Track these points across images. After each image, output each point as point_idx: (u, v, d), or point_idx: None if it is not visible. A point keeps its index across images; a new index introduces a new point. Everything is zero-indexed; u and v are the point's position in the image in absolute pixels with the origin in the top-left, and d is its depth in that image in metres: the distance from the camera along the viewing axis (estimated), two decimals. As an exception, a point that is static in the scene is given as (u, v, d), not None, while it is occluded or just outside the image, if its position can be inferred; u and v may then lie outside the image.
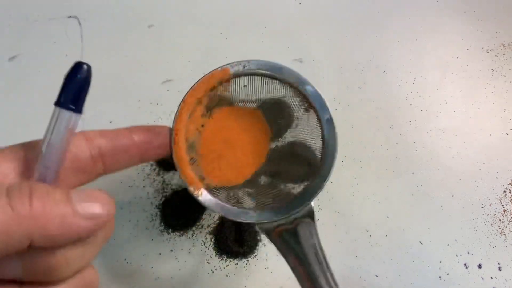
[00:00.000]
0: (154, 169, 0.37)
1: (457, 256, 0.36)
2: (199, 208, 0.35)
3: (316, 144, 0.26)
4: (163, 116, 0.39)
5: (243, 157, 0.26)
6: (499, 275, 0.35)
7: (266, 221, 0.24)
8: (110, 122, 0.38)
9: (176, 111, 0.24)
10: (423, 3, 0.45)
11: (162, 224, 0.35)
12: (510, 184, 0.38)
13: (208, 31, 0.43)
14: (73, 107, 0.18)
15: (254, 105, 0.27)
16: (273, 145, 0.27)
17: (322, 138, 0.25)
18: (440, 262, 0.35)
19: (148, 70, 0.41)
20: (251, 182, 0.27)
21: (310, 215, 0.25)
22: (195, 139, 0.26)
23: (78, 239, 0.17)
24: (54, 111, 0.18)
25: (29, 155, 0.19)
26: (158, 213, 0.35)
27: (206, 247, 0.35)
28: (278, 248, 0.24)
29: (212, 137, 0.26)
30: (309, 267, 0.23)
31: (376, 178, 0.38)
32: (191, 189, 0.24)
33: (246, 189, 0.26)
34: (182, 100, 0.24)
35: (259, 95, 0.27)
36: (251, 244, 0.34)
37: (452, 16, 0.44)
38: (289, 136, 0.28)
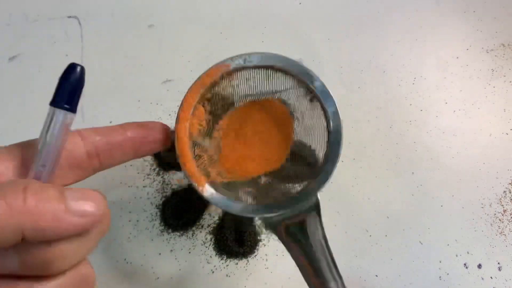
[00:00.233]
0: (154, 169, 0.37)
1: (457, 256, 0.36)
2: (199, 208, 0.35)
3: (320, 137, 0.26)
4: (163, 116, 0.39)
5: (267, 151, 0.26)
6: (499, 275, 0.35)
7: (272, 215, 0.24)
8: (110, 122, 0.38)
9: (179, 108, 0.24)
10: (423, 3, 0.45)
11: (162, 224, 0.35)
12: (510, 184, 0.38)
13: (208, 31, 0.43)
14: (67, 106, 0.19)
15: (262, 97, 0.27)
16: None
17: (327, 128, 0.25)
18: (440, 262, 0.35)
19: (148, 70, 0.41)
20: (258, 178, 0.27)
21: (317, 208, 0.24)
22: (205, 136, 0.26)
23: (72, 235, 0.17)
24: (49, 111, 0.19)
25: (26, 154, 0.19)
26: (158, 213, 0.35)
27: (206, 247, 0.35)
28: (284, 243, 0.24)
29: (231, 132, 0.26)
30: (315, 262, 0.23)
31: (376, 178, 0.38)
32: (195, 185, 0.24)
33: (252, 184, 0.26)
34: (184, 97, 0.24)
35: (264, 88, 0.27)
36: (251, 244, 0.34)
37: (452, 16, 0.44)
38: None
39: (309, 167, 0.26)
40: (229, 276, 0.34)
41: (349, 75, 0.41)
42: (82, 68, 0.19)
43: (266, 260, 0.35)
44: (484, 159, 0.39)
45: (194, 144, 0.25)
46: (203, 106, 0.25)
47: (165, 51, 0.42)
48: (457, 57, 0.43)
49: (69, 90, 0.19)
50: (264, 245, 0.35)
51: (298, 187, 0.25)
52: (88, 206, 0.17)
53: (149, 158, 0.37)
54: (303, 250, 0.24)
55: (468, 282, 0.35)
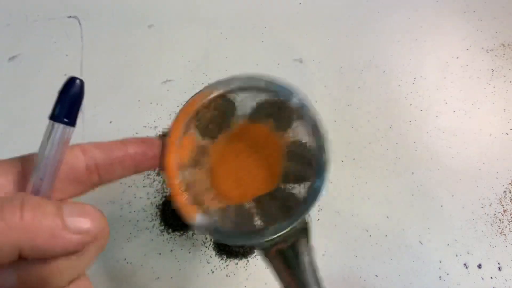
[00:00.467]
0: (154, 169, 0.37)
1: (457, 256, 0.36)
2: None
3: (308, 153, 0.25)
4: (163, 116, 0.39)
5: (258, 175, 0.26)
6: (499, 275, 0.35)
7: (262, 240, 0.23)
8: (110, 122, 0.38)
9: (165, 140, 0.24)
10: (423, 3, 0.45)
11: (162, 224, 0.35)
12: (510, 184, 0.38)
13: (208, 31, 0.43)
14: (67, 120, 0.18)
15: (249, 115, 0.27)
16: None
17: (310, 144, 0.24)
18: (440, 262, 0.35)
19: (148, 70, 0.41)
20: (248, 202, 0.26)
21: (304, 231, 0.24)
22: (195, 164, 0.25)
23: (69, 252, 0.17)
24: (48, 124, 0.18)
25: (26, 167, 0.19)
26: (158, 213, 0.35)
27: (206, 247, 0.35)
28: (274, 268, 0.24)
29: (222, 158, 0.26)
30: (304, 286, 0.23)
31: (376, 178, 0.38)
32: (184, 216, 0.23)
33: (243, 209, 0.26)
34: (170, 127, 0.24)
35: (250, 108, 0.26)
36: (251, 244, 0.34)
37: (452, 16, 0.44)
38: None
39: (300, 187, 0.26)
40: (229, 276, 0.34)
41: (349, 75, 0.41)
42: (82, 82, 0.18)
43: (266, 260, 0.35)
44: (484, 159, 0.39)
45: (184, 174, 0.24)
46: (190, 135, 0.25)
47: (165, 51, 0.42)
48: (457, 57, 0.43)
49: (68, 104, 0.18)
50: (264, 245, 0.35)
51: (289, 209, 0.25)
52: (85, 223, 0.17)
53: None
54: (293, 274, 0.24)
55: (468, 282, 0.35)
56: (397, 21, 0.44)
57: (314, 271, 0.24)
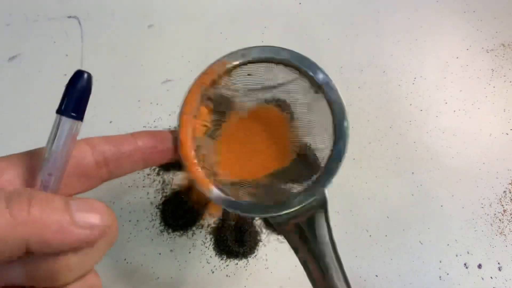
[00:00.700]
0: (154, 169, 0.37)
1: (457, 256, 0.36)
2: (199, 208, 0.35)
3: (326, 131, 0.25)
4: (163, 116, 0.39)
5: (272, 150, 0.26)
6: (499, 275, 0.35)
7: (280, 214, 0.23)
8: (110, 122, 0.38)
9: (180, 111, 0.24)
10: (423, 3, 0.45)
11: (162, 224, 0.35)
12: (510, 184, 0.38)
13: (208, 31, 0.43)
14: (74, 114, 0.18)
15: (264, 95, 0.27)
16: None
17: (333, 121, 0.24)
18: (440, 262, 0.35)
19: (148, 70, 0.41)
20: (263, 177, 0.26)
21: (324, 205, 0.24)
22: (209, 137, 0.25)
23: (77, 247, 0.17)
24: (56, 118, 0.18)
25: (34, 162, 0.19)
26: (158, 213, 0.35)
27: (206, 247, 0.35)
28: (290, 242, 0.24)
29: (236, 131, 0.26)
30: (322, 260, 0.23)
31: (376, 178, 0.38)
32: (201, 188, 0.23)
33: (257, 184, 0.26)
34: (184, 99, 0.24)
35: (266, 82, 0.26)
36: (251, 244, 0.34)
37: (452, 16, 0.44)
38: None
39: (315, 163, 0.25)
40: (229, 276, 0.34)
41: (349, 75, 0.41)
42: (89, 75, 0.18)
43: (266, 260, 0.35)
44: (484, 159, 0.39)
45: (198, 146, 0.24)
46: (206, 106, 0.25)
47: (165, 51, 0.42)
48: (457, 57, 0.43)
49: (76, 97, 0.18)
50: (264, 245, 0.35)
51: (305, 185, 0.25)
52: (93, 218, 0.17)
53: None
54: (309, 248, 0.23)
55: (468, 282, 0.35)
56: (397, 21, 0.44)
57: (333, 244, 0.23)
